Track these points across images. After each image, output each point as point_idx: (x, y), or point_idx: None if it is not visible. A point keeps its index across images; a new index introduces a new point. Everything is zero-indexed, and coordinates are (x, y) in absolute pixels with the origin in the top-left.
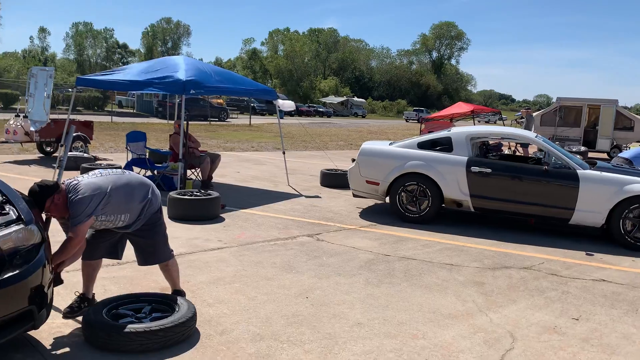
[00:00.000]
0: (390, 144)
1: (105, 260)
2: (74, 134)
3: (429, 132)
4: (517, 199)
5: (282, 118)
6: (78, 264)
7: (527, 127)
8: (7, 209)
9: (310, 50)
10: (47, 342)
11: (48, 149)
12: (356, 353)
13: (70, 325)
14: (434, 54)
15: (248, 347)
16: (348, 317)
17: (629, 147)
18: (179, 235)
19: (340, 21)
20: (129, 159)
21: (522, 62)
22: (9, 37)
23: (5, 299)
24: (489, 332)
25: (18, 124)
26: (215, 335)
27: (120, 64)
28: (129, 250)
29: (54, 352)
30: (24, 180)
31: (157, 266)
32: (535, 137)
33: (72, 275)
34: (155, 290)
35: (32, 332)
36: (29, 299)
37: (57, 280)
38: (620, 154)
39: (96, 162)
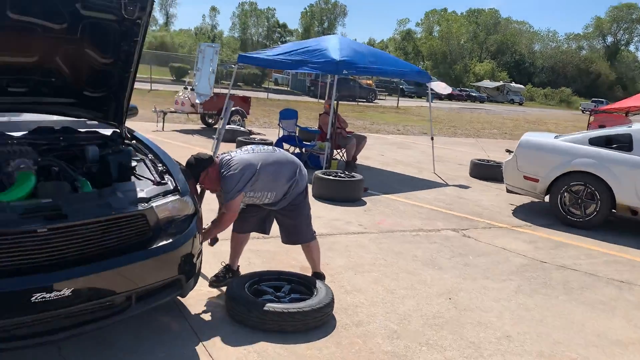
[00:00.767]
0: (556, 137)
1: (252, 233)
2: (233, 109)
3: (600, 126)
4: None
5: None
6: (227, 234)
7: None
8: (166, 179)
9: (468, 32)
10: (192, 309)
11: (210, 120)
12: None
13: (214, 294)
14: (609, 39)
15: (384, 344)
16: (495, 327)
17: None
18: (322, 215)
19: (502, 1)
20: (280, 135)
21: None
22: (185, 15)
23: (158, 267)
24: None
25: (186, 96)
26: (351, 325)
27: (279, 42)
28: (274, 226)
29: (197, 319)
30: (187, 148)
31: (299, 245)
32: None
33: (220, 244)
34: (295, 269)
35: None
36: (179, 268)
37: (214, 240)
38: None
39: (251, 136)
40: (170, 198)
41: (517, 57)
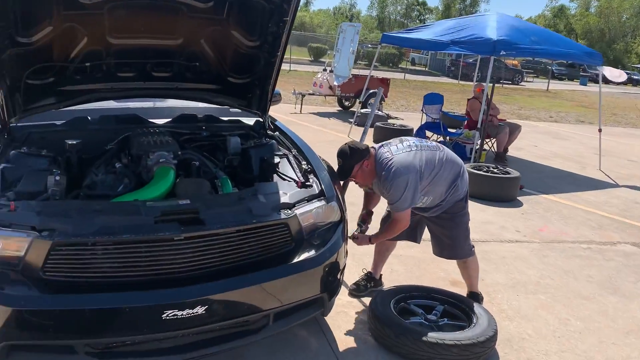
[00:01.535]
0: None
1: None
2: (371, 91)
3: None
4: None
5: (584, 85)
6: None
7: None
8: (311, 180)
9: (632, 7)
10: (331, 322)
11: (347, 103)
12: None
13: (355, 306)
14: None
15: None
16: None
17: None
18: (471, 216)
19: None
20: (423, 122)
21: None
22: None
23: (299, 284)
24: None
25: (324, 77)
26: None
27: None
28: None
29: (336, 336)
30: (323, 132)
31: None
32: None
33: (361, 249)
34: (444, 283)
35: None
36: (322, 285)
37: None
38: None
39: (388, 121)
40: (316, 204)
41: None
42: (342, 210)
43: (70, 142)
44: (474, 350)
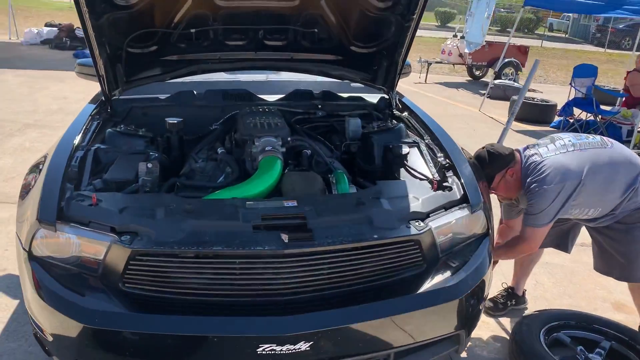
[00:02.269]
0: None
1: None
2: (507, 60)
3: None
4: None
5: None
6: None
7: None
8: (450, 180)
9: None
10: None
11: (477, 73)
12: None
13: (491, 329)
14: None
15: None
16: None
17: None
18: None
19: None
20: (570, 97)
21: None
22: None
23: (430, 320)
24: None
25: (454, 44)
26: None
27: None
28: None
29: None
30: (451, 105)
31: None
32: None
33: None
34: (605, 305)
35: None
36: (459, 320)
37: None
38: None
39: (532, 98)
40: (457, 213)
41: None
42: (489, 218)
43: (170, 121)
44: None
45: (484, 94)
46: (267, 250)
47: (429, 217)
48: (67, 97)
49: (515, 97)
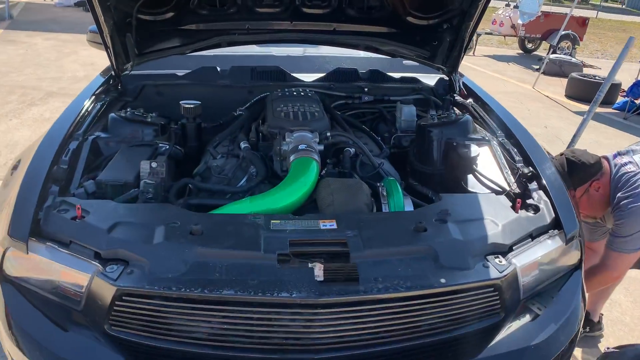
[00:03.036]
0: None
1: None
2: (563, 32)
3: None
4: None
5: None
6: None
7: None
8: (535, 197)
9: None
10: None
11: (529, 45)
12: None
13: None
14: None
15: None
16: None
17: None
18: None
19: None
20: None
21: None
22: None
23: None
24: None
25: (506, 14)
26: None
27: None
28: None
29: None
30: (502, 81)
31: None
32: None
33: None
34: None
35: None
36: None
37: None
38: None
39: (584, 74)
40: (547, 245)
41: None
42: (582, 245)
43: (186, 105)
44: None
45: (537, 69)
46: (295, 299)
47: (512, 249)
48: (95, 64)
49: (574, 74)
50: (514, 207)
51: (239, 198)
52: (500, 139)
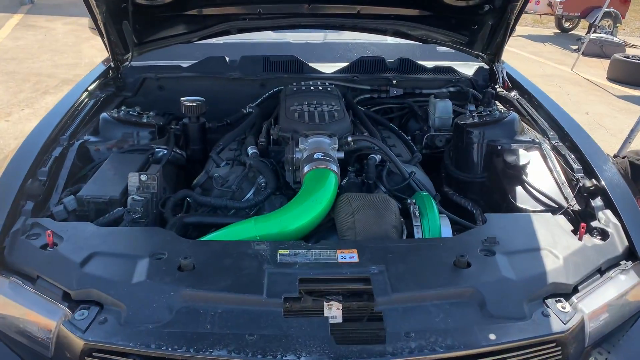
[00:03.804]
0: None
1: None
2: (606, 10)
3: None
4: None
5: None
6: None
7: None
8: (601, 218)
9: None
10: None
11: (567, 24)
12: None
13: None
14: None
15: None
16: None
17: None
18: None
19: None
20: None
21: None
22: None
23: None
24: None
25: None
26: None
27: None
28: None
29: None
30: (538, 63)
31: None
32: None
33: None
34: None
35: None
36: None
37: None
38: None
39: (628, 55)
40: (620, 282)
41: None
42: None
43: (187, 103)
44: None
45: (576, 49)
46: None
47: (577, 290)
48: None
49: (617, 55)
50: (575, 232)
51: (245, 214)
52: (553, 142)
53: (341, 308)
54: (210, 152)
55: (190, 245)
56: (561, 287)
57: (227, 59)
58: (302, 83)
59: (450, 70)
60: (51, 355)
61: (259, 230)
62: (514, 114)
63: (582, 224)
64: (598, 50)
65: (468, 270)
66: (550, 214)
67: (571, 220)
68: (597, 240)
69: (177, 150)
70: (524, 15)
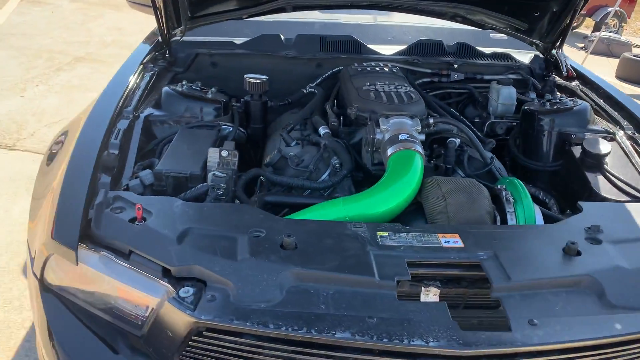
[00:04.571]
0: None
1: None
2: (609, 9)
3: None
4: None
5: None
6: None
7: None
8: None
9: None
10: None
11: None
12: None
13: None
14: None
15: None
16: None
17: None
18: None
19: None
20: None
21: None
22: None
23: None
24: None
25: None
26: None
27: None
28: None
29: None
30: None
31: None
32: None
33: None
34: None
35: None
36: None
37: None
38: None
39: (636, 54)
40: None
41: None
42: None
43: (251, 79)
44: None
45: (582, 47)
46: (433, 348)
47: None
48: (123, 29)
49: (627, 54)
50: None
51: (319, 196)
52: (629, 132)
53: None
54: (278, 132)
55: (286, 223)
56: None
57: (282, 37)
58: (364, 64)
59: (508, 57)
60: (142, 334)
61: (348, 211)
62: (585, 103)
63: None
64: (605, 49)
65: (580, 258)
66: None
67: None
68: None
69: (241, 129)
70: None
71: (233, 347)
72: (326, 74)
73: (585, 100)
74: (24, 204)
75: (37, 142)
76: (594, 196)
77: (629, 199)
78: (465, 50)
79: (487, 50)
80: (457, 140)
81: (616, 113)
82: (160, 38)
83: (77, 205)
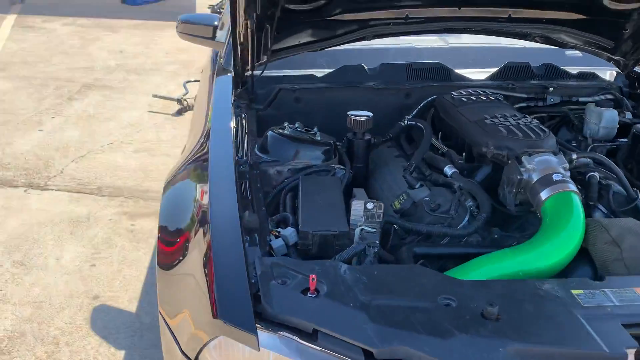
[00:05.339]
0: None
1: None
2: None
3: None
4: None
5: None
6: None
7: None
8: None
9: None
10: None
11: None
12: None
13: None
14: None
15: None
16: None
17: None
18: None
19: None
20: None
21: None
22: None
23: None
24: None
25: None
26: None
27: None
28: None
29: None
30: None
31: None
32: None
33: None
34: None
35: None
36: None
37: None
38: None
39: None
40: None
41: None
42: None
43: (355, 117)
44: None
45: None
46: None
47: None
48: (124, 51)
49: None
50: None
51: (471, 245)
52: None
53: None
54: (378, 169)
55: (471, 286)
56: None
57: (366, 67)
58: (462, 91)
59: (594, 76)
60: None
61: (522, 265)
62: None
63: None
64: None
65: None
66: None
67: None
68: None
69: (350, 170)
70: None
71: None
72: (421, 105)
73: None
74: (73, 249)
75: (68, 180)
76: None
77: None
78: (552, 71)
79: (573, 69)
80: (598, 175)
81: None
82: (238, 75)
83: (239, 278)
